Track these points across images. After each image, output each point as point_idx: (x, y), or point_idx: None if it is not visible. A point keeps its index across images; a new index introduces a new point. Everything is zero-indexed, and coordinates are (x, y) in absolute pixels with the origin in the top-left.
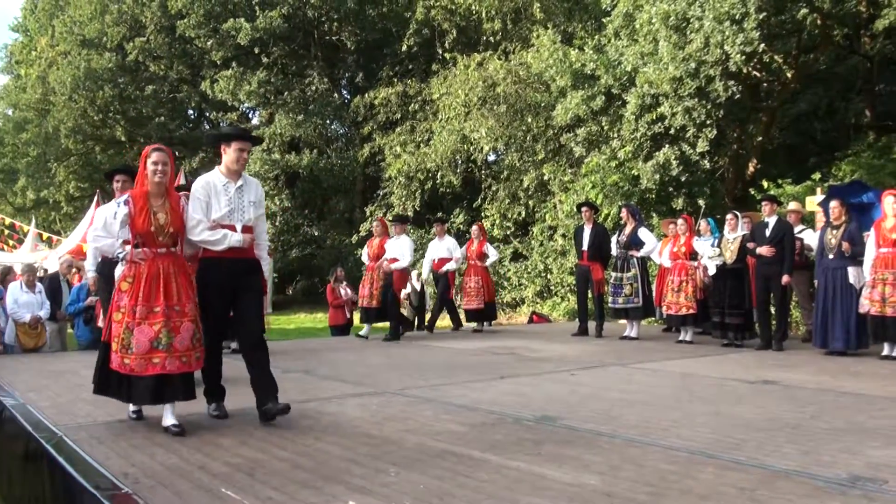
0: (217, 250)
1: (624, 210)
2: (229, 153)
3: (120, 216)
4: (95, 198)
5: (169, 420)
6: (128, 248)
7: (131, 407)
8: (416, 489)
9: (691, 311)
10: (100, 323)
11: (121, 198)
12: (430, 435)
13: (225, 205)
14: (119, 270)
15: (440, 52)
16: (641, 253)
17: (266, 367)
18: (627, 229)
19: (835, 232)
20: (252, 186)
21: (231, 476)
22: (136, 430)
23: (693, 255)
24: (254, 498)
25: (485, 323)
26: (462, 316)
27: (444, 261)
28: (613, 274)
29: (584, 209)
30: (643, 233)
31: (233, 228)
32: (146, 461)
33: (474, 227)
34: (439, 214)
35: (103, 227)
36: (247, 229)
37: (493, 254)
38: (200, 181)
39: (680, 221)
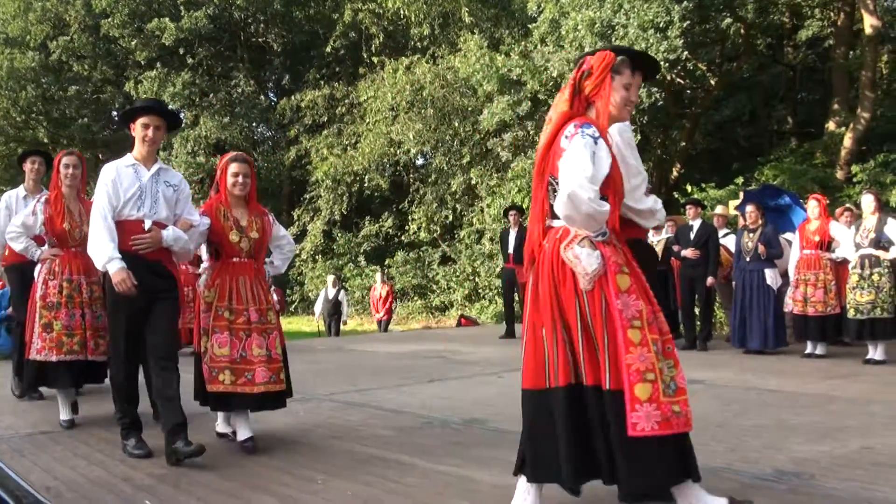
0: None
1: None
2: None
3: None
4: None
5: None
6: None
7: None
8: (344, 496)
9: None
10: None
11: None
12: (357, 440)
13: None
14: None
15: (367, 55)
16: None
17: None
18: None
19: (751, 235)
20: None
21: (155, 488)
22: (59, 441)
23: None
24: None
25: None
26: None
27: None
28: None
29: (510, 213)
30: None
31: None
32: (69, 474)
33: None
34: None
35: None
36: None
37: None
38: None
39: None
